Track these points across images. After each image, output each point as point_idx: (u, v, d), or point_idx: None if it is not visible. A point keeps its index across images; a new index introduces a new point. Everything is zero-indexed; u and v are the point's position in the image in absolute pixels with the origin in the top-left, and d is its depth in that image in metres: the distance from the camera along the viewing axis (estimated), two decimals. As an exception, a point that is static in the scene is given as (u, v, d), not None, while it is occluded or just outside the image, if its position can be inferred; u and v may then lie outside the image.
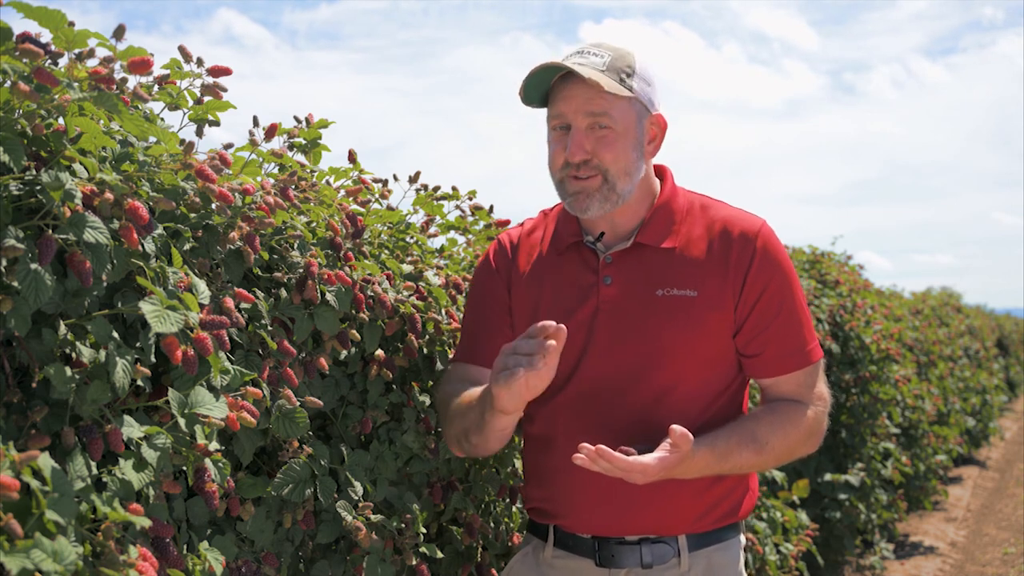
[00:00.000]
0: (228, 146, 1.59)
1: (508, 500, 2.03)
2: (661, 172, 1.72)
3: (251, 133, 1.64)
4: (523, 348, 1.40)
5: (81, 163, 1.11)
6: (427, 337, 1.81)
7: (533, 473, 1.74)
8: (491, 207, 2.29)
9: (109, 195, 1.09)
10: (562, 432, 1.64)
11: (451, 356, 1.81)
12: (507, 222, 2.42)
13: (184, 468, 1.18)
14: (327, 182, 1.85)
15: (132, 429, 1.09)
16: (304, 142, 1.79)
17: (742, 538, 1.73)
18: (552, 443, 1.66)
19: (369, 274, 1.62)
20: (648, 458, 1.45)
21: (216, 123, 1.52)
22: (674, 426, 1.45)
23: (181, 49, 1.45)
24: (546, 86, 1.61)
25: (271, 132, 1.66)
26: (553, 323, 1.39)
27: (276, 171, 1.66)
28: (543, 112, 1.67)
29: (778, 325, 1.62)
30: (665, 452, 1.46)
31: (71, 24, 1.17)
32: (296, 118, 1.80)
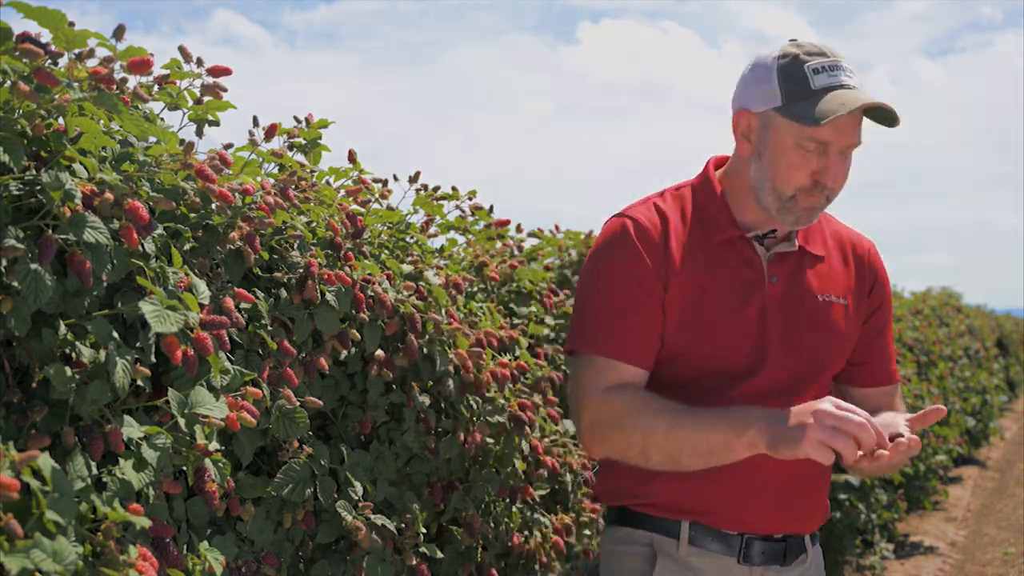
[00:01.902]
0: (228, 146, 1.59)
1: (508, 500, 2.03)
2: None
3: (251, 133, 1.64)
4: (864, 437, 1.33)
5: (81, 163, 1.11)
6: (427, 337, 1.81)
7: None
8: (491, 207, 2.29)
9: (109, 195, 1.09)
10: None
11: (586, 345, 1.59)
12: (507, 222, 2.41)
13: (184, 468, 1.18)
14: (327, 182, 1.85)
15: (132, 429, 1.09)
16: (304, 142, 1.79)
17: None
18: None
19: (369, 274, 1.62)
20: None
21: (216, 123, 1.52)
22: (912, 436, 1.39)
23: (181, 49, 1.46)
24: (823, 112, 1.52)
25: (271, 132, 1.66)
26: (894, 443, 1.36)
27: (276, 171, 1.66)
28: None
29: (883, 340, 1.72)
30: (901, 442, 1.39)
31: (71, 24, 1.17)
32: (296, 118, 1.80)
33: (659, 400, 1.53)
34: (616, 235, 1.62)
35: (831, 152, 1.53)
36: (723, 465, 1.49)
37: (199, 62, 1.46)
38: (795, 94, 1.53)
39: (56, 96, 1.08)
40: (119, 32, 1.26)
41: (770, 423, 1.39)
